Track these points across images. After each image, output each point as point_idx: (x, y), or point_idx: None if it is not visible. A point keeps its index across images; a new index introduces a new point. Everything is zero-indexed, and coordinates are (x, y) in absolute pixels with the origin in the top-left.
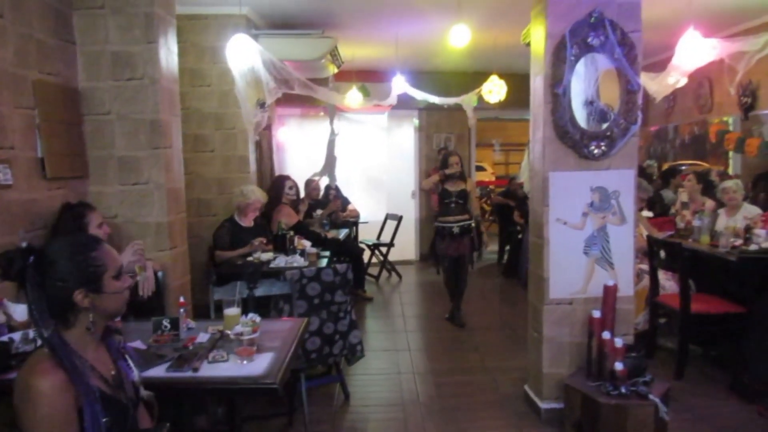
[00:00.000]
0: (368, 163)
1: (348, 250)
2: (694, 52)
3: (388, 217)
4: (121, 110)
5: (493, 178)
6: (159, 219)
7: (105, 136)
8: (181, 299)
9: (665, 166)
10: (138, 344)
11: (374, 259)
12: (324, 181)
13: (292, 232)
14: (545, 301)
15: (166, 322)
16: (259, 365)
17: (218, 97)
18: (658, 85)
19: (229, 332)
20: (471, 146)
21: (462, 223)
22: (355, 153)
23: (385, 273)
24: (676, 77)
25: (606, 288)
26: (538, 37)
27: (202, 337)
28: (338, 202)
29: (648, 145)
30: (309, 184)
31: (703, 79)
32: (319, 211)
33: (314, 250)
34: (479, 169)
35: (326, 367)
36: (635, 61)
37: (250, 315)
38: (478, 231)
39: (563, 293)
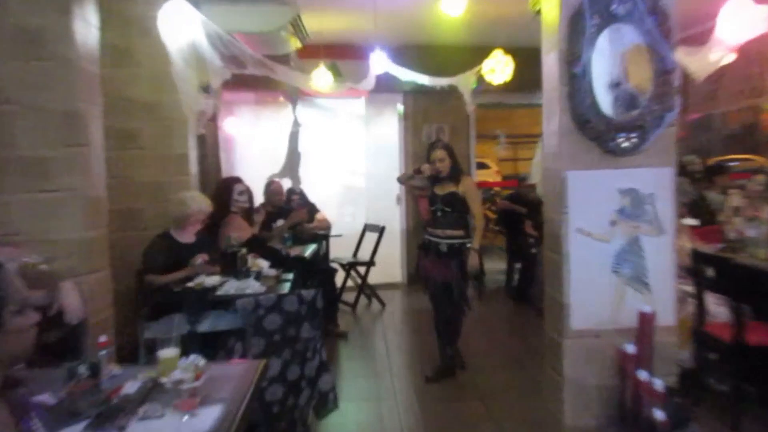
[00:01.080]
0: (341, 161)
1: (317, 272)
2: (742, 21)
3: (367, 228)
4: (25, 98)
5: (498, 178)
6: (74, 235)
7: (3, 131)
8: (102, 338)
9: (710, 162)
10: (46, 398)
11: (350, 282)
12: (286, 184)
13: (244, 250)
14: (565, 333)
15: (83, 369)
16: (203, 422)
17: (149, 80)
18: (698, 63)
19: (164, 380)
20: (470, 139)
21: (451, 241)
22: (325, 148)
23: (363, 300)
24: (720, 53)
25: (641, 316)
26: (550, 4)
27: (130, 387)
28: (303, 211)
29: (688, 136)
30: (268, 187)
31: (755, 56)
32: (280, 222)
33: (273, 271)
34: (481, 166)
35: (290, 423)
36: (669, 33)
37: (192, 357)
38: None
39: (588, 323)
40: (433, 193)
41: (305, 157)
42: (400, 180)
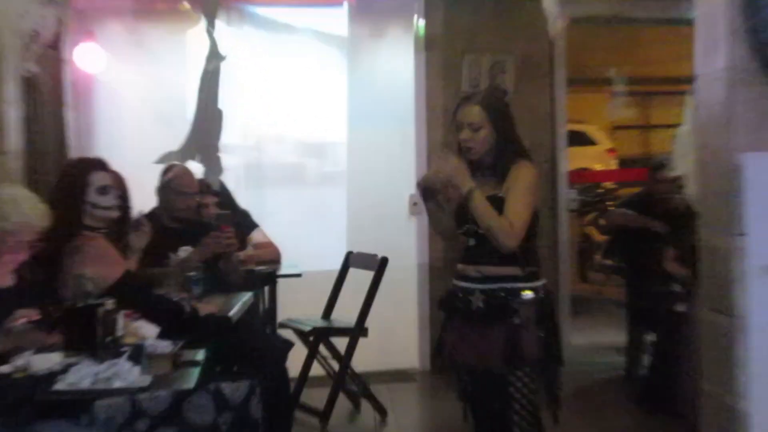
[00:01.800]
0: (301, 130)
1: (253, 347)
2: None
3: (351, 261)
4: None
5: (611, 165)
6: None
7: None
8: None
9: None
10: None
11: (318, 369)
12: (197, 173)
13: (111, 302)
14: None
15: None
16: None
17: None
18: None
19: None
20: (555, 87)
21: (494, 287)
22: (270, 106)
23: (344, 403)
24: None
25: None
26: None
27: None
28: (229, 230)
29: None
30: (165, 178)
31: None
32: (184, 250)
33: (168, 345)
34: (577, 140)
35: None
36: None
37: None
38: (550, 315)
39: None
40: (461, 203)
41: (231, 122)
42: (422, 190)
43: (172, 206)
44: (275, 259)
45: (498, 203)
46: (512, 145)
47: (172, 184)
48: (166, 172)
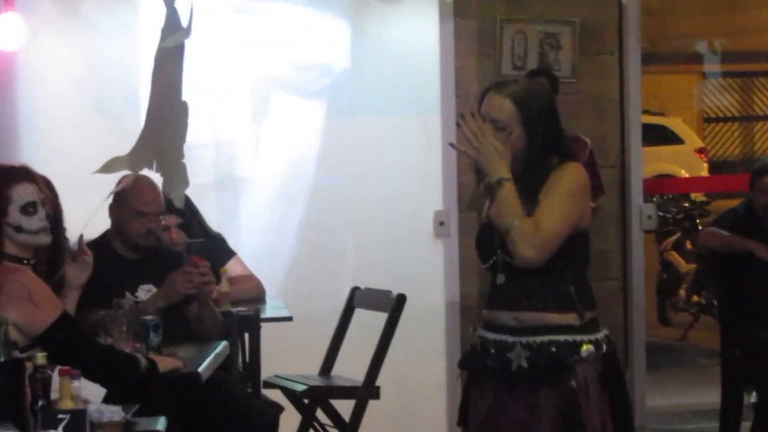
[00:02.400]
0: (291, 124)
1: (229, 414)
2: None
3: (356, 299)
4: None
5: (701, 170)
6: None
7: None
8: None
9: None
10: None
11: None
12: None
13: (41, 356)
14: None
15: None
16: None
17: None
18: None
19: None
20: (626, 66)
21: (542, 337)
22: (252, 93)
23: None
24: None
25: None
26: None
27: None
28: (200, 265)
29: None
30: (119, 187)
31: None
32: (145, 289)
33: (117, 412)
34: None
35: None
36: None
37: None
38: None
39: None
40: (485, 223)
41: (198, 118)
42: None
43: (129, 230)
44: (257, 297)
45: None
46: (552, 149)
47: (128, 201)
48: (119, 184)
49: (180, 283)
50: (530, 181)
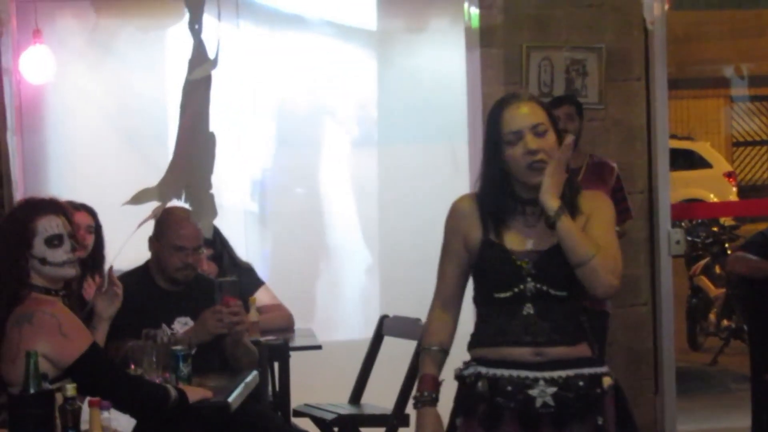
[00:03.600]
0: (318, 154)
1: None
2: None
3: (385, 328)
4: None
5: (729, 194)
6: None
7: None
8: None
9: None
10: None
11: None
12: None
13: (72, 386)
14: None
15: None
16: None
17: None
18: None
19: None
20: (652, 91)
21: (568, 372)
22: (279, 123)
23: None
24: None
25: None
26: None
27: None
28: (232, 305)
29: None
30: (160, 220)
31: None
32: (183, 321)
33: None
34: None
35: None
36: None
37: None
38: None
39: None
40: (502, 250)
41: (226, 148)
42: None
43: (167, 264)
44: (286, 326)
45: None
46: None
47: (167, 235)
48: (160, 219)
49: (211, 323)
50: (565, 191)
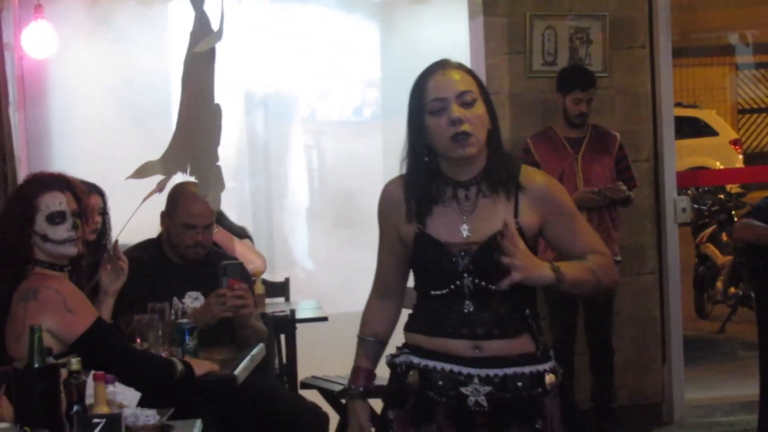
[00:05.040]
0: (322, 126)
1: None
2: None
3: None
4: None
5: (736, 161)
6: None
7: None
8: None
9: None
10: None
11: None
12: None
13: (77, 360)
14: None
15: None
16: None
17: None
18: None
19: None
20: (656, 58)
21: (506, 370)
22: (285, 95)
23: None
24: None
25: None
26: None
27: None
28: (238, 288)
29: None
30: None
31: None
32: (194, 296)
33: (152, 416)
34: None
35: None
36: None
37: None
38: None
39: None
40: (436, 244)
41: (231, 121)
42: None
43: (177, 241)
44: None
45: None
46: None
47: (178, 212)
48: (171, 195)
49: (215, 307)
50: (500, 171)
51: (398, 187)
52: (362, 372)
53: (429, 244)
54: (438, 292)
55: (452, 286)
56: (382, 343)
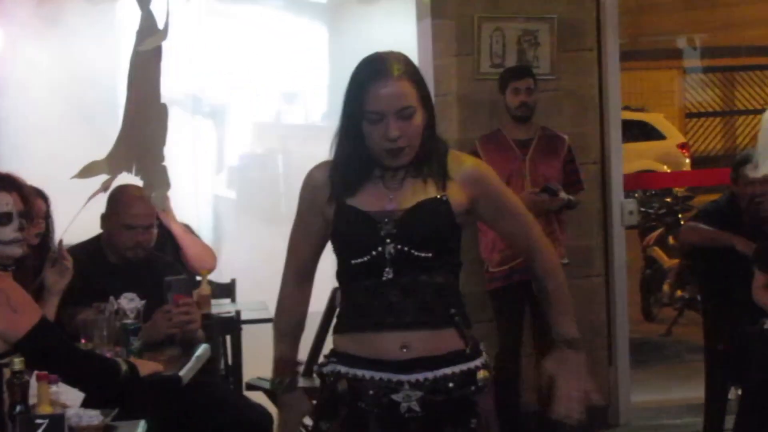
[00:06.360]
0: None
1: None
2: None
3: (336, 300)
4: None
5: (682, 164)
6: None
7: None
8: None
9: None
10: None
11: None
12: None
13: (19, 359)
14: None
15: None
16: None
17: None
18: None
19: None
20: (604, 62)
21: (435, 372)
22: (231, 94)
23: None
24: None
25: None
26: None
27: None
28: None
29: None
30: (111, 199)
31: None
32: (129, 297)
33: (96, 416)
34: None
35: None
36: None
37: None
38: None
39: None
40: (357, 212)
41: (177, 121)
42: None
43: (117, 242)
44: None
45: (439, 207)
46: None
47: (117, 213)
48: (112, 196)
49: (162, 323)
50: (431, 160)
51: (324, 171)
52: (286, 363)
53: (351, 213)
54: (358, 260)
55: (374, 252)
56: (302, 327)
